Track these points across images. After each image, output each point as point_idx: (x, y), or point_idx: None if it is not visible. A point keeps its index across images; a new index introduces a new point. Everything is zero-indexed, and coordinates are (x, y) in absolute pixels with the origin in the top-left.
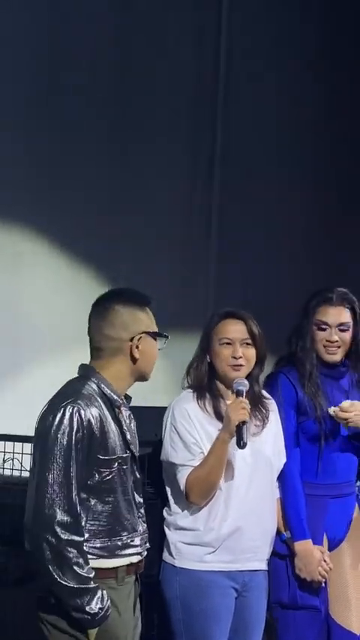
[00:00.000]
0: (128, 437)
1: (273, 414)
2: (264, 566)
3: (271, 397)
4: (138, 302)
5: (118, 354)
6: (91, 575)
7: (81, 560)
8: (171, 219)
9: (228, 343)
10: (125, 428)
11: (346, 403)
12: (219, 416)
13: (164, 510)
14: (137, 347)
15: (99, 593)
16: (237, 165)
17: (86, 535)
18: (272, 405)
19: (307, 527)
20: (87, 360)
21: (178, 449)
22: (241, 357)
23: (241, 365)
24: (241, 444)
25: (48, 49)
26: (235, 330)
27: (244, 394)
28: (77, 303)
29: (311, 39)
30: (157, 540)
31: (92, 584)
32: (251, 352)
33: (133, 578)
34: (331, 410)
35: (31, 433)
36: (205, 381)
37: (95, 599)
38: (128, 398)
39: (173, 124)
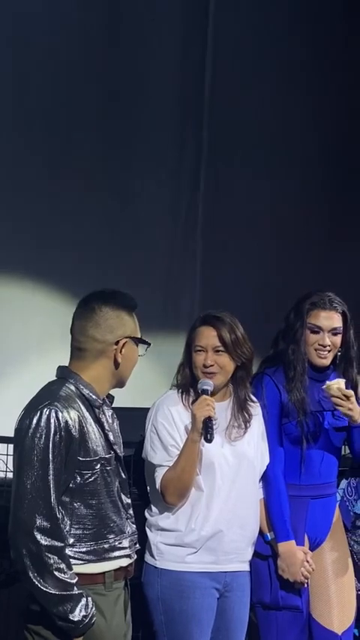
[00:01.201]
0: (111, 437)
1: (257, 418)
2: (246, 567)
3: (257, 400)
4: (125, 305)
5: (101, 357)
6: (74, 581)
7: (62, 566)
8: (157, 220)
9: (200, 350)
10: (107, 428)
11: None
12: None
13: (146, 511)
14: (121, 351)
15: (83, 600)
16: (223, 165)
17: (71, 540)
18: (257, 408)
19: (290, 528)
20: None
21: (156, 449)
22: (212, 365)
23: (212, 372)
24: (207, 438)
25: None
26: (207, 337)
27: (209, 393)
28: (63, 304)
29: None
30: (141, 542)
31: (75, 591)
32: (223, 359)
33: (122, 584)
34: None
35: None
36: (190, 382)
37: (79, 606)
38: (110, 397)
39: (160, 123)
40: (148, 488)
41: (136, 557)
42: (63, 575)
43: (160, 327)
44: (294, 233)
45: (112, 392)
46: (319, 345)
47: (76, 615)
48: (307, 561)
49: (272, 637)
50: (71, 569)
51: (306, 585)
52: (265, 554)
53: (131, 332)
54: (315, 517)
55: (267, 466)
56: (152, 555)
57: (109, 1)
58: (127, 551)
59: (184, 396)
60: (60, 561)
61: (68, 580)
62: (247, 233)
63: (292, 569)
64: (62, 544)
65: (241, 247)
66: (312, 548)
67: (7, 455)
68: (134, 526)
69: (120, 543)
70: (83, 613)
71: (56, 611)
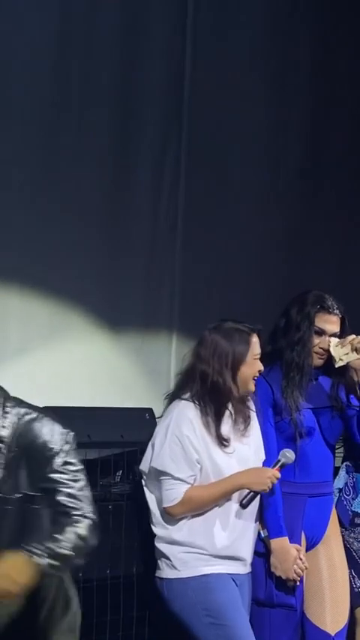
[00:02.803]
0: None
1: (253, 418)
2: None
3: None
4: None
5: None
6: None
7: None
8: (137, 221)
9: (256, 358)
10: None
11: (334, 340)
12: (220, 439)
13: (152, 526)
14: None
15: None
16: (204, 168)
17: None
18: (252, 406)
19: (283, 525)
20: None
21: (178, 462)
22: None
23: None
24: (243, 504)
25: None
26: (258, 345)
27: (279, 465)
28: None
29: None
30: (125, 542)
31: None
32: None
33: None
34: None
35: None
36: (210, 396)
37: None
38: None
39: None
40: (153, 497)
41: None
42: None
43: (138, 327)
44: (277, 231)
45: (82, 389)
46: (319, 348)
47: None
48: (300, 559)
49: (265, 635)
50: None
51: (300, 584)
52: (261, 551)
53: None
54: (312, 516)
55: (262, 463)
56: (173, 567)
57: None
58: None
59: (204, 414)
60: None
61: None
62: (228, 229)
63: (285, 565)
64: None
65: (222, 249)
66: (308, 548)
67: None
68: None
69: None
70: None
71: None
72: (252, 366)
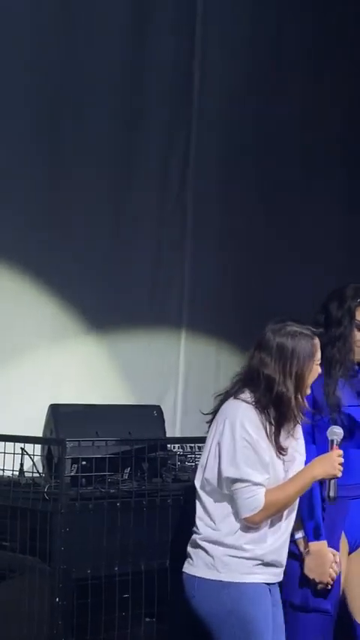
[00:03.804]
0: None
1: None
2: None
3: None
4: None
5: None
6: None
7: None
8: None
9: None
10: None
11: None
12: (279, 449)
13: (202, 524)
14: None
15: None
16: (211, 164)
17: None
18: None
19: (323, 529)
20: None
21: (254, 467)
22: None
23: None
24: (330, 496)
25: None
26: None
27: (337, 444)
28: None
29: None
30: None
31: None
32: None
33: None
34: None
35: None
36: (283, 408)
37: None
38: None
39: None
40: (216, 504)
41: None
42: None
43: (147, 325)
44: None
45: (91, 387)
46: None
47: None
48: (335, 562)
49: (298, 639)
50: None
51: (337, 588)
52: (296, 553)
53: None
54: (355, 518)
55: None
56: (214, 568)
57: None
58: None
59: (264, 420)
60: None
61: None
62: (238, 231)
63: (321, 569)
64: None
65: (232, 245)
66: (352, 550)
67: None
68: None
69: None
70: None
71: None
72: (314, 372)
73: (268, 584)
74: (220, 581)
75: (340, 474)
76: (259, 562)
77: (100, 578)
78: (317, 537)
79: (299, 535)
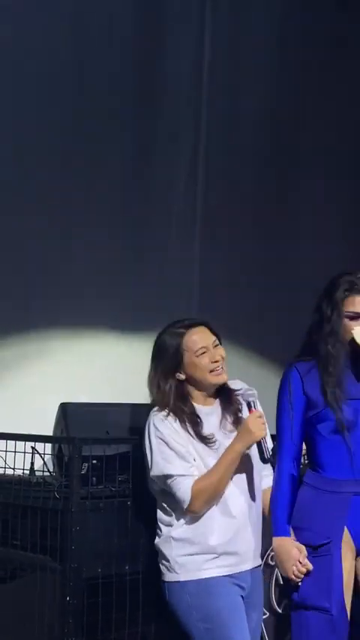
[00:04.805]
0: None
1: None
2: (260, 560)
3: (244, 387)
4: None
5: None
6: None
7: None
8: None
9: (204, 352)
10: None
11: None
12: (201, 438)
13: (158, 530)
14: None
15: None
16: (222, 167)
17: None
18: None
19: (287, 524)
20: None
21: (172, 460)
22: (220, 359)
23: (221, 367)
24: (265, 458)
25: None
26: (204, 336)
27: (254, 406)
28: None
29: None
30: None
31: None
32: (223, 350)
33: None
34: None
35: None
36: (177, 402)
37: None
38: None
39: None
40: (161, 504)
41: None
42: None
43: (158, 326)
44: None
45: (102, 387)
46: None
47: None
48: (300, 561)
49: (302, 637)
50: None
51: (339, 587)
52: None
53: None
54: (359, 515)
55: (280, 457)
56: (173, 571)
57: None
58: None
59: (176, 419)
60: None
61: None
62: (248, 233)
63: (284, 565)
64: None
65: (243, 247)
66: (358, 549)
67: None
68: None
69: None
70: None
71: None
72: (190, 360)
73: (230, 576)
74: (178, 581)
75: (264, 433)
76: (213, 555)
77: (111, 577)
78: (281, 533)
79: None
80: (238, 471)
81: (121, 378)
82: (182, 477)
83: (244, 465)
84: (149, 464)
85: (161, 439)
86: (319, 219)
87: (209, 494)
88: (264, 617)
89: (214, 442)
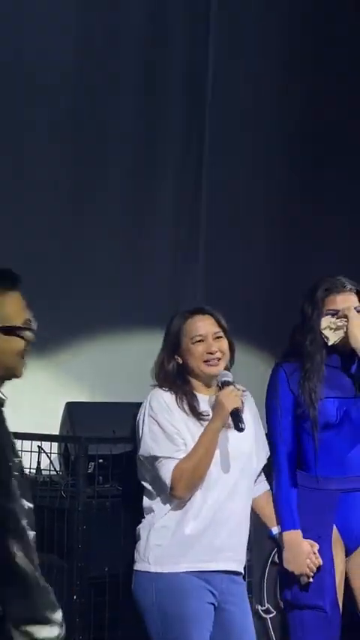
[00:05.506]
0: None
1: (246, 405)
2: (241, 568)
3: (245, 389)
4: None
5: None
6: None
7: None
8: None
9: (200, 340)
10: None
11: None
12: (196, 414)
13: (141, 518)
14: None
15: None
16: (224, 169)
17: None
18: (247, 398)
19: (297, 518)
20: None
21: (159, 440)
22: (217, 352)
23: (217, 359)
24: (240, 427)
25: None
26: (204, 325)
27: (227, 384)
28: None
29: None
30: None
31: None
32: (224, 345)
33: None
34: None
35: None
36: (176, 380)
37: None
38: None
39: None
40: (146, 486)
41: None
42: None
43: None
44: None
45: (108, 386)
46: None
47: None
48: (314, 553)
49: (298, 637)
50: None
51: (333, 586)
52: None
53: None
54: (348, 513)
55: (275, 457)
56: (146, 560)
57: None
58: None
59: (174, 396)
60: None
61: None
62: (251, 234)
63: (298, 560)
64: None
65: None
66: (352, 548)
67: None
68: None
69: None
70: None
71: None
72: (187, 345)
73: (204, 578)
74: (149, 572)
75: (238, 404)
76: (187, 546)
77: (118, 575)
78: (290, 527)
79: (276, 531)
80: (228, 467)
81: (128, 377)
82: (166, 460)
83: (236, 463)
84: (139, 443)
85: (153, 418)
86: (327, 221)
87: (189, 477)
88: (270, 615)
89: (209, 418)
